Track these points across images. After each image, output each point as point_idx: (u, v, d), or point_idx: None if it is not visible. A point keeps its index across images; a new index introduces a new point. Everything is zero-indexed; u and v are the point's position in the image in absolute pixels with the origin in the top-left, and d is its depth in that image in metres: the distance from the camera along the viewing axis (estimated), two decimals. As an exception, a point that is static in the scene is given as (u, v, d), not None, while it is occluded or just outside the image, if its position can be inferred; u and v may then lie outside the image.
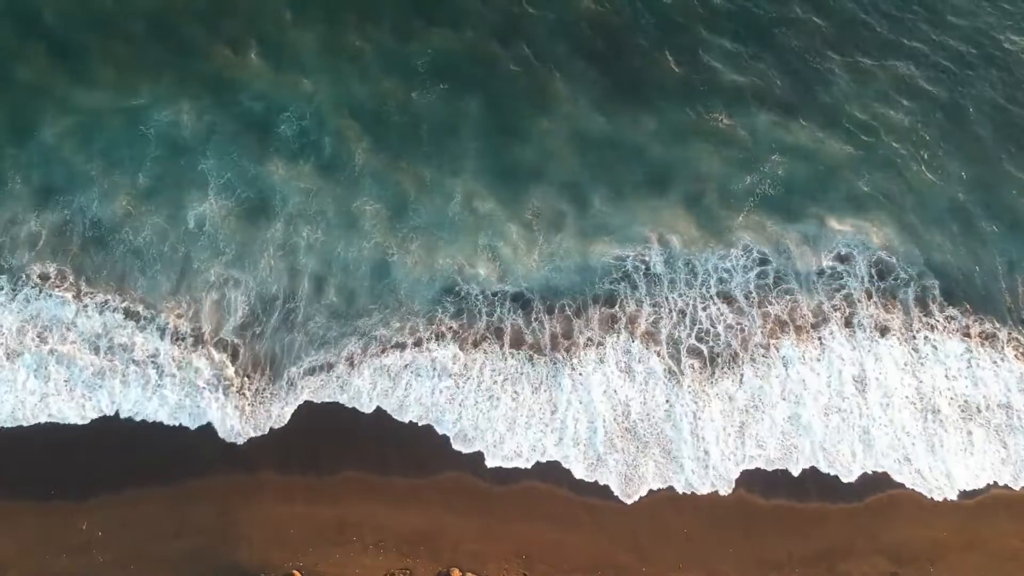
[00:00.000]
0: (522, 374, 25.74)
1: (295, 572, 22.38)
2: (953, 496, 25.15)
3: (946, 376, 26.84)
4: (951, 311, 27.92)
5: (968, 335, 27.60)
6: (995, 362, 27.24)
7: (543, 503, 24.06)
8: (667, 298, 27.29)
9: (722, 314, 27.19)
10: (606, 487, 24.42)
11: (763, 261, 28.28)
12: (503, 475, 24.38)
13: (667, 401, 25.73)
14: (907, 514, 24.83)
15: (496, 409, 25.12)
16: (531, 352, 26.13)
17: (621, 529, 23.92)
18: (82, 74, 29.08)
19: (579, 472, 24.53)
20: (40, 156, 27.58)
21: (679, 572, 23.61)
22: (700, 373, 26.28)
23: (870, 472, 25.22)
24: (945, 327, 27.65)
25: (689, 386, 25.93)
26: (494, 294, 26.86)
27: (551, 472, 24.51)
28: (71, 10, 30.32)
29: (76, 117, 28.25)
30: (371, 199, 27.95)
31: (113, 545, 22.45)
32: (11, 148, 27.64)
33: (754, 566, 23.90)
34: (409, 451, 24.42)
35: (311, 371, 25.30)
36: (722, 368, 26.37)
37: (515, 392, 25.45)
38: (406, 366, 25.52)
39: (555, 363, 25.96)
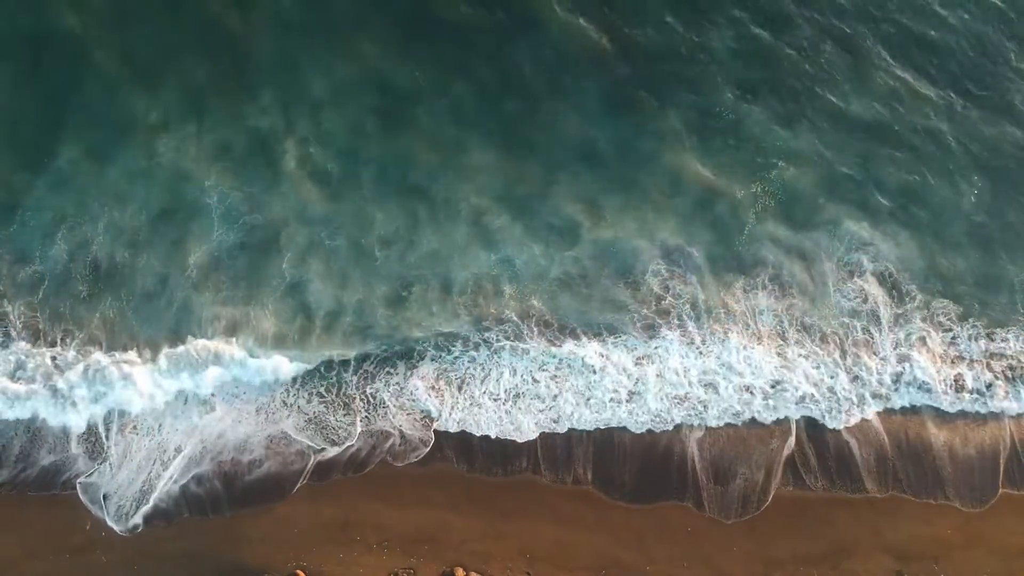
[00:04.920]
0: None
1: (299, 572, 22.35)
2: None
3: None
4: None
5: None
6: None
7: (547, 501, 24.01)
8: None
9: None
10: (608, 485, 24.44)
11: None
12: (506, 472, 24.35)
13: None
14: (911, 512, 24.84)
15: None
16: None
17: (625, 527, 23.88)
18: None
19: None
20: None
21: (683, 570, 23.58)
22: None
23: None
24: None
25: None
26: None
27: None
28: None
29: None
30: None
31: (116, 545, 22.39)
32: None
33: (758, 564, 23.89)
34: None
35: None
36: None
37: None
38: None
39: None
